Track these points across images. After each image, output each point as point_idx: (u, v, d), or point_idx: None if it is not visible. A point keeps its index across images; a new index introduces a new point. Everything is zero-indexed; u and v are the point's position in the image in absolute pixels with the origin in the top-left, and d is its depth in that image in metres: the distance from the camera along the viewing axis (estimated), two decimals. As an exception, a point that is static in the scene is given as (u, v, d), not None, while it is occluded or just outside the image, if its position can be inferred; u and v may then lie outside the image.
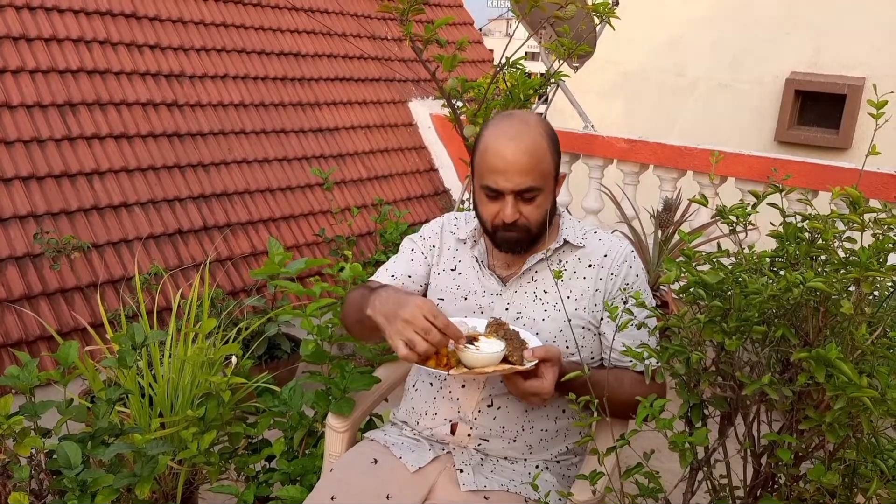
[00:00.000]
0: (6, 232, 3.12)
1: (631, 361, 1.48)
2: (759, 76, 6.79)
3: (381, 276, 1.76)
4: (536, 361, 1.40)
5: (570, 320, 1.55)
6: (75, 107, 3.63)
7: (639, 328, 1.35)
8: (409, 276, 1.74)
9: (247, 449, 1.94)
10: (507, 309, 1.63)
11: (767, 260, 1.23)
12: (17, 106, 3.42)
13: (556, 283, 1.60)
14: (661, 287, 3.60)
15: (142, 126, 3.82)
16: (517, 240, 1.55)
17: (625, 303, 1.43)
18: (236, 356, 2.05)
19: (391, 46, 5.57)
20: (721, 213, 1.30)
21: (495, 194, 1.51)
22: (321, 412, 1.92)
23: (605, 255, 1.62)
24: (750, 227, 1.28)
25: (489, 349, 1.42)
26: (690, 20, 6.85)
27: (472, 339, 1.45)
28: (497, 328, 1.50)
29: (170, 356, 2.11)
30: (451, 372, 1.40)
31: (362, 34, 5.42)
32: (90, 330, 2.43)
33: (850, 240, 1.25)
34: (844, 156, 6.24)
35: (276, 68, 4.68)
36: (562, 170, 1.60)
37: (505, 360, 1.41)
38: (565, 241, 1.63)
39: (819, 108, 6.68)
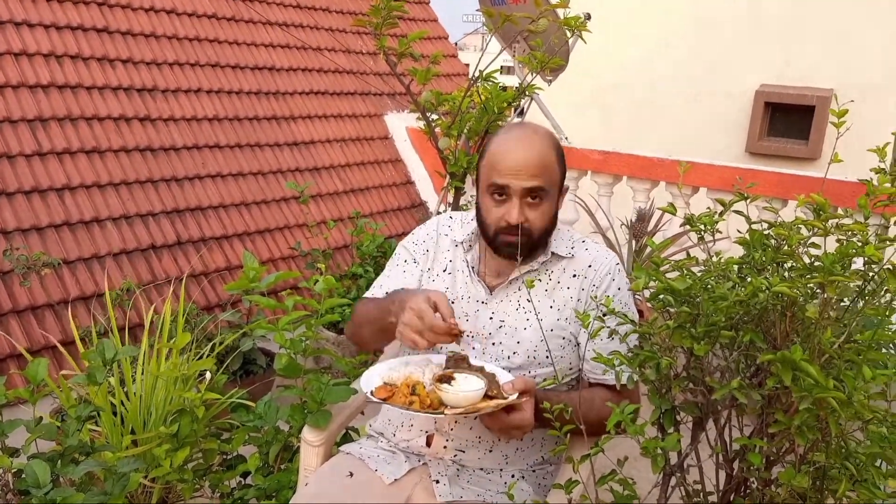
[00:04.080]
0: (-26, 249, 3.07)
1: (604, 370, 1.46)
2: (729, 88, 6.91)
3: (376, 293, 1.74)
4: (517, 394, 1.38)
5: (548, 332, 1.56)
6: (46, 122, 3.59)
7: (610, 336, 1.35)
8: (403, 290, 1.68)
9: (221, 465, 1.92)
10: (490, 318, 1.63)
11: (735, 267, 1.25)
12: (-14, 121, 3.37)
13: (532, 294, 1.60)
14: (637, 296, 3.63)
15: (114, 140, 3.79)
16: (519, 244, 1.53)
17: (603, 315, 1.42)
18: (210, 371, 2.03)
19: (366, 60, 5.59)
20: (689, 221, 1.32)
21: (502, 195, 1.53)
22: (297, 426, 1.91)
23: (590, 266, 1.63)
24: (718, 234, 1.30)
25: (471, 386, 1.39)
26: (662, 34, 6.96)
27: (446, 378, 1.42)
28: (459, 362, 1.48)
29: (142, 373, 2.08)
30: (447, 412, 1.36)
31: (337, 48, 5.43)
32: (60, 348, 2.39)
33: (814, 245, 1.27)
34: (814, 166, 6.36)
35: (250, 82, 4.67)
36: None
37: (485, 395, 1.38)
38: (553, 254, 1.63)
39: (788, 119, 6.81)
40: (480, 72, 3.11)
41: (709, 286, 1.18)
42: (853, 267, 1.20)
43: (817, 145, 6.68)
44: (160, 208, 3.78)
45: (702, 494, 1.33)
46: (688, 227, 1.33)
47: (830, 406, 1.08)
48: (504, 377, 1.46)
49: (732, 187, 1.44)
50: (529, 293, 1.61)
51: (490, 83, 3.13)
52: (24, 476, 1.34)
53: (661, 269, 1.18)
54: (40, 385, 1.58)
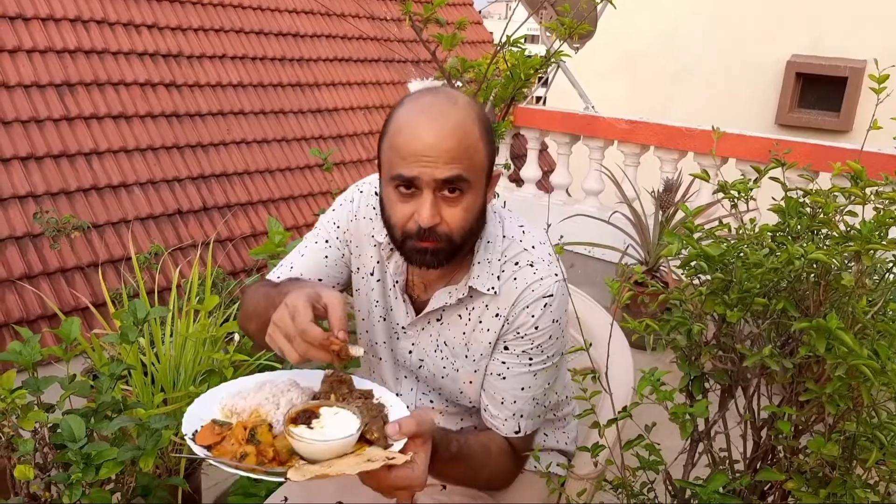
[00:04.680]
0: (6, 212, 3.12)
1: (504, 420, 1.30)
2: (760, 59, 6.76)
3: (284, 275, 1.37)
4: (405, 440, 1.00)
5: (465, 384, 1.35)
6: (73, 87, 3.62)
7: (503, 378, 1.25)
8: (321, 280, 1.37)
9: (249, 425, 1.95)
10: (410, 352, 1.38)
11: (768, 234, 1.23)
12: (15, 86, 3.41)
13: (450, 335, 1.33)
14: (661, 267, 3.60)
15: (140, 106, 3.81)
16: (434, 251, 1.18)
17: (506, 349, 1.26)
18: (238, 334, 2.06)
19: (390, 27, 5.53)
20: (723, 188, 1.30)
21: (409, 189, 1.14)
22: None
23: (514, 304, 1.27)
24: (751, 201, 1.28)
25: (338, 430, 0.98)
26: (691, 1, 6.81)
27: (305, 415, 1.01)
28: (338, 385, 1.08)
29: (171, 334, 2.11)
30: (291, 475, 0.92)
31: (361, 14, 5.38)
32: (92, 308, 2.43)
33: (851, 213, 1.25)
34: (845, 139, 6.23)
35: (274, 48, 4.65)
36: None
37: (362, 437, 1.00)
38: (472, 290, 1.27)
39: (820, 90, 6.67)
40: (508, 37, 3.07)
41: (741, 254, 1.16)
42: (890, 236, 1.18)
43: (849, 117, 6.54)
44: (186, 174, 3.80)
45: (728, 462, 1.33)
46: (720, 194, 1.31)
47: (863, 375, 1.06)
48: (397, 409, 1.09)
49: (763, 158, 1.41)
50: (444, 340, 1.34)
51: (517, 48, 3.09)
52: (59, 430, 1.38)
53: (694, 236, 1.17)
54: (73, 344, 1.61)
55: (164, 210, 3.63)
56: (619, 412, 1.29)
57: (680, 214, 3.70)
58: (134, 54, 3.95)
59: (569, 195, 4.57)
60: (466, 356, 1.33)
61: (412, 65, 5.49)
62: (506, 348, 1.28)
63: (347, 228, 1.37)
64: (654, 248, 3.62)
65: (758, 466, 1.33)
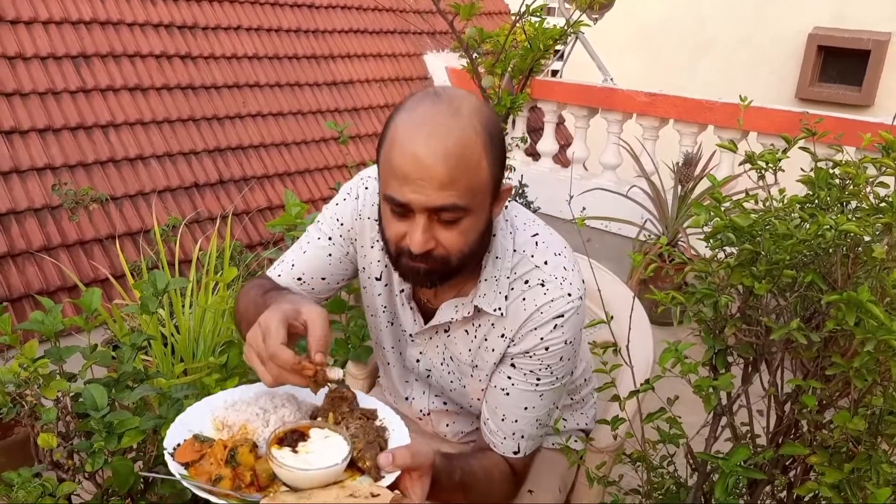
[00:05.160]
0: (24, 184, 3.13)
1: (503, 438, 1.25)
2: (781, 32, 6.63)
3: (285, 274, 1.32)
4: (398, 473, 0.94)
5: (474, 400, 1.32)
6: (89, 58, 3.60)
7: (507, 394, 1.20)
8: (324, 279, 1.32)
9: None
10: (418, 360, 1.34)
11: (797, 205, 1.21)
12: (32, 57, 3.40)
13: (455, 351, 1.28)
14: (680, 242, 3.57)
15: (156, 78, 3.79)
16: (428, 272, 1.10)
17: (512, 366, 1.20)
18: (256, 305, 2.06)
19: (406, -2, 5.47)
20: (750, 159, 1.27)
21: (402, 210, 1.05)
22: (340, 360, 1.94)
23: (521, 325, 1.19)
24: (777, 173, 1.26)
25: (323, 459, 0.91)
26: (713, -29, 6.68)
27: (293, 437, 0.95)
28: (339, 402, 1.02)
29: (191, 306, 2.12)
30: (265, 501, 0.87)
31: (377, -15, 5.31)
32: (112, 280, 2.44)
33: (882, 185, 1.22)
34: (867, 113, 6.11)
35: (289, 20, 4.61)
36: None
37: (352, 463, 0.94)
38: (477, 309, 1.20)
39: (842, 64, 6.54)
40: (527, 6, 3.02)
41: (769, 225, 1.14)
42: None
43: (871, 91, 6.42)
44: (202, 147, 3.80)
45: (749, 437, 1.32)
46: (747, 166, 1.29)
47: (892, 349, 1.05)
48: (398, 434, 1.02)
49: (786, 131, 1.37)
50: (451, 355, 1.29)
51: (536, 19, 3.04)
52: (81, 399, 1.39)
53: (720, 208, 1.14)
54: (94, 314, 1.62)
55: (181, 183, 3.63)
56: (640, 385, 1.28)
57: (699, 189, 3.66)
58: (149, 25, 3.93)
59: (585, 169, 4.53)
60: (472, 375, 1.28)
61: (428, 36, 5.43)
62: (512, 365, 1.22)
63: (352, 227, 1.29)
64: (672, 223, 3.59)
65: (780, 441, 1.32)
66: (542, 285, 1.18)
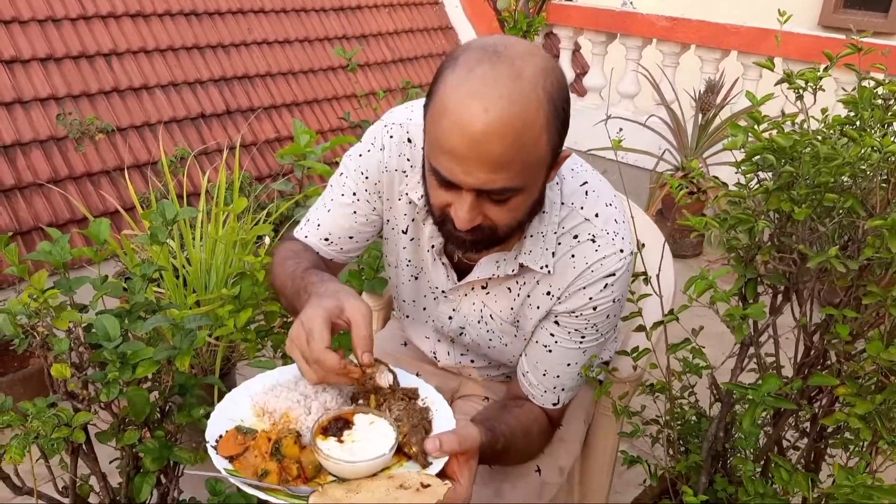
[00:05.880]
0: (28, 114, 3.07)
1: (543, 392, 1.22)
2: (806, -48, 6.33)
3: (312, 235, 1.28)
4: (446, 458, 0.92)
5: (512, 357, 1.28)
6: (88, -17, 3.48)
7: (549, 351, 1.17)
8: (351, 237, 1.28)
9: (282, 328, 1.94)
10: (450, 318, 1.28)
11: (838, 127, 1.14)
12: (29, -18, 3.28)
13: (496, 308, 1.22)
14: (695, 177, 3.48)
15: (158, 4, 3.67)
16: (474, 242, 1.04)
17: (556, 324, 1.15)
18: (269, 237, 2.03)
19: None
20: (789, 78, 1.19)
21: (448, 184, 0.97)
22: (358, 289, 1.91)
23: (570, 284, 1.13)
24: (820, 91, 1.18)
25: (369, 449, 0.89)
26: None
27: (338, 425, 0.93)
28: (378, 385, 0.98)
29: (201, 238, 2.09)
30: (314, 499, 0.84)
31: None
32: (121, 211, 2.41)
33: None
34: (893, 40, 5.88)
35: (294, -59, 4.42)
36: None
37: (398, 449, 0.92)
38: (523, 267, 1.14)
39: (867, -11, 6.28)
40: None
41: (808, 147, 1.07)
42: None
43: (899, 17, 6.16)
44: (208, 76, 3.70)
45: (775, 368, 1.29)
46: (786, 84, 1.21)
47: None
48: (442, 413, 0.99)
49: (812, 58, 1.28)
50: (490, 314, 1.23)
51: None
52: (94, 330, 1.36)
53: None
54: (103, 245, 1.59)
55: (188, 113, 3.55)
56: (665, 314, 1.24)
57: (720, 118, 3.54)
58: (149, -52, 3.77)
59: (602, 98, 4.40)
60: (516, 335, 1.23)
61: (438, -41, 5.21)
62: (556, 322, 1.17)
63: (378, 180, 1.20)
64: (691, 153, 3.49)
65: (807, 372, 1.29)
66: (593, 241, 1.10)
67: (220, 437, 0.94)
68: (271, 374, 1.08)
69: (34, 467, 1.35)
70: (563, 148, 1.00)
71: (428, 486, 0.85)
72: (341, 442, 0.90)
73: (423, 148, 1.05)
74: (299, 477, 0.88)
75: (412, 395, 1.01)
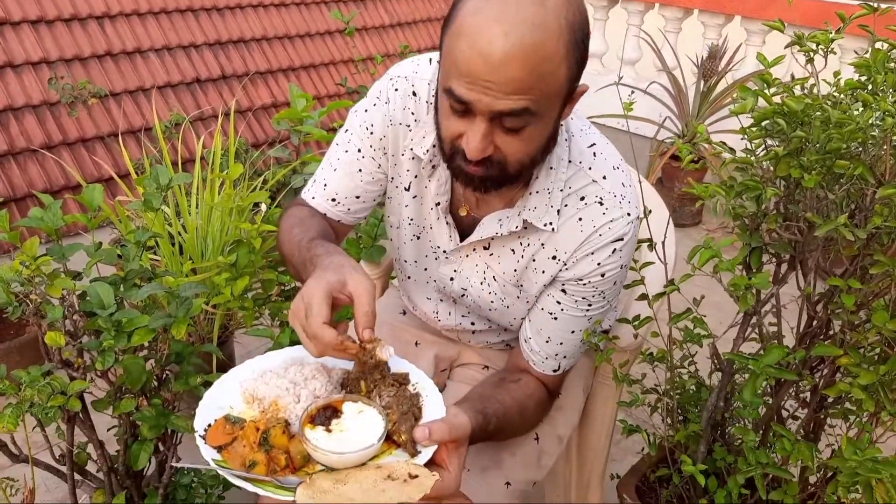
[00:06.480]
0: (19, 78, 3.01)
1: (545, 358, 1.22)
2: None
3: (318, 196, 1.27)
4: (435, 447, 0.91)
5: (514, 320, 1.26)
6: (78, -58, 3.39)
7: (555, 318, 1.15)
8: (358, 197, 1.26)
9: (280, 296, 1.93)
10: (452, 279, 1.26)
11: (849, 91, 1.11)
12: (17, -59, 3.19)
13: (498, 269, 1.20)
14: (700, 142, 3.45)
15: (150, -36, 3.58)
16: (482, 178, 1.00)
17: (563, 292, 1.13)
18: (265, 204, 2.00)
19: None
20: (799, 40, 1.16)
21: (463, 108, 0.94)
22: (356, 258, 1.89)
23: (577, 249, 1.11)
24: (832, 53, 1.15)
25: (357, 439, 0.89)
26: None
27: (326, 413, 0.93)
28: (370, 368, 0.98)
29: (197, 205, 2.06)
30: (300, 493, 0.83)
31: None
32: (116, 178, 2.37)
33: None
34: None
35: None
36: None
37: (387, 437, 0.91)
38: (526, 223, 1.11)
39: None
40: None
41: (818, 112, 1.05)
42: None
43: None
44: (202, 40, 3.63)
45: (778, 338, 1.27)
46: (796, 48, 1.18)
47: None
48: (433, 400, 0.98)
49: (818, 24, 1.24)
50: (493, 275, 1.21)
51: None
52: (88, 298, 1.35)
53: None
54: (97, 211, 1.56)
55: (182, 78, 3.49)
56: (665, 285, 1.22)
57: (723, 84, 3.49)
58: None
59: (603, 65, 4.33)
60: (518, 297, 1.21)
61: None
62: (563, 290, 1.15)
63: (384, 135, 1.19)
64: (692, 121, 3.45)
65: (808, 342, 1.27)
66: (601, 203, 1.08)
67: (209, 425, 0.94)
68: (259, 359, 1.07)
69: (31, 436, 1.35)
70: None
71: (416, 476, 0.85)
72: (329, 431, 0.90)
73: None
74: (287, 467, 0.88)
75: (403, 380, 1.00)
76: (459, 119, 0.95)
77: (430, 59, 1.18)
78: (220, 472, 0.86)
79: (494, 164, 0.98)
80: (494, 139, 0.95)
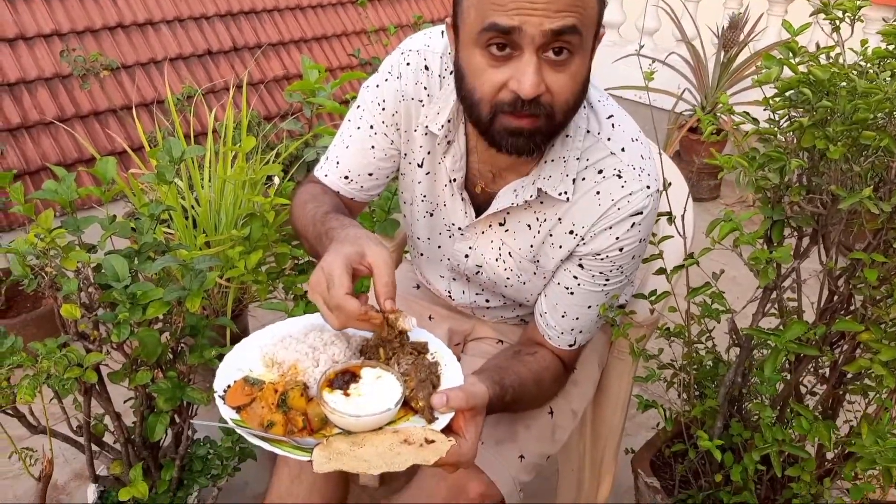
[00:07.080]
0: (32, 51, 3.00)
1: (560, 333, 1.20)
2: None
3: (332, 173, 1.26)
4: (452, 414, 0.91)
5: (530, 296, 1.24)
6: (88, -88, 3.35)
7: (571, 293, 1.13)
8: (371, 174, 1.25)
9: (293, 269, 1.92)
10: (467, 256, 1.25)
11: (877, 61, 1.08)
12: (26, -89, 3.16)
13: (514, 245, 1.19)
14: (719, 115, 3.39)
15: (161, -66, 3.54)
16: (530, 132, 0.96)
17: (580, 266, 1.12)
18: (278, 177, 1.99)
19: None
20: (825, 7, 1.12)
21: (504, 50, 0.91)
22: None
23: (594, 223, 1.09)
24: (859, 21, 1.11)
25: (375, 403, 0.89)
26: None
27: (345, 378, 0.93)
28: (389, 336, 0.97)
29: (210, 178, 2.05)
30: (315, 460, 0.83)
31: None
32: (129, 151, 2.37)
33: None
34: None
35: None
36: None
37: (405, 403, 0.92)
38: (541, 193, 1.09)
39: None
40: None
41: (848, 80, 1.01)
42: None
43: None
44: (214, 11, 3.60)
45: (798, 313, 1.25)
46: (822, 15, 1.14)
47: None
48: (451, 369, 0.98)
49: None
50: (509, 251, 1.19)
51: None
52: (103, 271, 1.35)
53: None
54: (110, 184, 1.56)
55: (194, 50, 3.47)
56: (684, 259, 1.20)
57: (743, 55, 3.42)
58: None
59: (620, 35, 4.25)
60: (535, 272, 1.19)
61: None
62: (580, 265, 1.13)
63: (396, 111, 1.17)
64: (712, 92, 3.39)
65: (829, 318, 1.25)
66: (619, 176, 1.06)
67: (229, 386, 0.94)
68: (280, 325, 1.07)
69: (49, 407, 1.36)
70: None
71: (432, 441, 0.85)
72: (347, 395, 0.90)
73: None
74: (305, 429, 0.89)
75: (421, 349, 1.00)
76: (501, 66, 0.92)
77: (442, 32, 1.15)
78: (238, 430, 0.88)
79: (544, 109, 0.94)
80: (545, 77, 0.92)
